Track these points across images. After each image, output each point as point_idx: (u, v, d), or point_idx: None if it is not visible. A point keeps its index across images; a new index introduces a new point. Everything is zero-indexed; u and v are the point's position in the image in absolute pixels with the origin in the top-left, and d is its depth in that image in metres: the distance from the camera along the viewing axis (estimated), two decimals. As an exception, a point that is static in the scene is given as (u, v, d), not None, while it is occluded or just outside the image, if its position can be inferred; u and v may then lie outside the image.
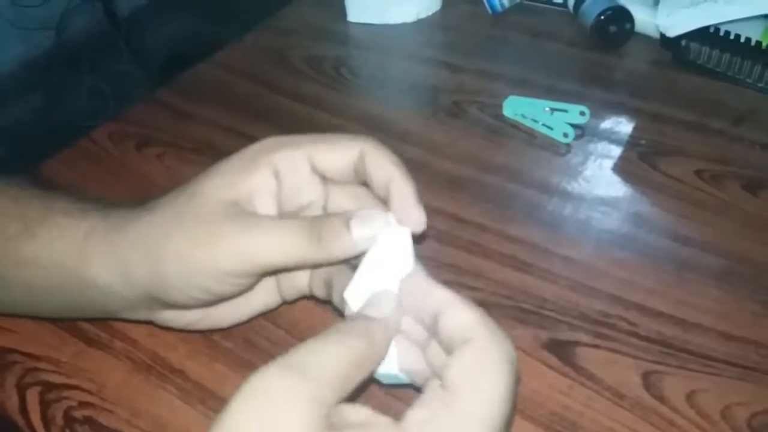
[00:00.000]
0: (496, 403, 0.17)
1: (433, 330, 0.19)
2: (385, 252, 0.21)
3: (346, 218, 0.21)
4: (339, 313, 0.23)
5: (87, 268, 0.23)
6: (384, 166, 0.22)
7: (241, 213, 0.22)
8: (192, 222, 0.22)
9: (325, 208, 0.24)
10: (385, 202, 0.22)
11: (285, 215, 0.24)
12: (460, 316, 0.18)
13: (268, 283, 0.25)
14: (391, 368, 0.20)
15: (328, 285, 0.24)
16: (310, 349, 0.17)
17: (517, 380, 0.18)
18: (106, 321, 0.28)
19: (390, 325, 0.19)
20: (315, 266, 0.23)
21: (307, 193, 0.23)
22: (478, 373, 0.17)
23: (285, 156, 0.23)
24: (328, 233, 0.20)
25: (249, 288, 0.24)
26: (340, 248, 0.21)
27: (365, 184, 0.23)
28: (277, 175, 0.23)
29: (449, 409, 0.17)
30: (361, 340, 0.18)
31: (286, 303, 0.26)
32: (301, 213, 0.24)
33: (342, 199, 0.23)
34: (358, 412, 0.17)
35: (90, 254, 0.23)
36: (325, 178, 0.23)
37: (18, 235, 0.23)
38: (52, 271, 0.23)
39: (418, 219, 0.21)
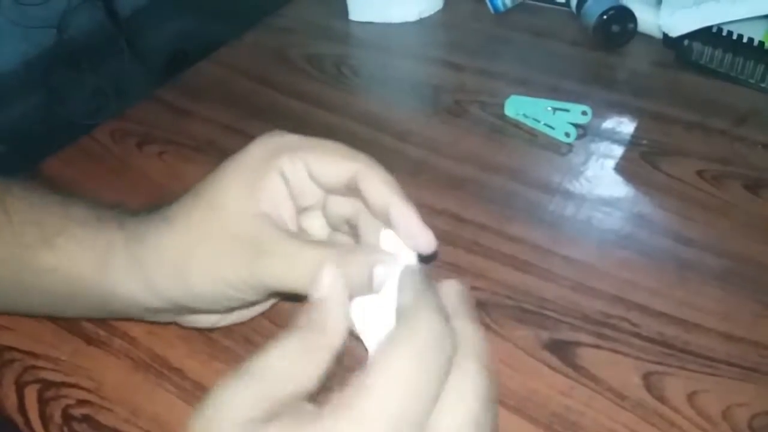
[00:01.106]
0: (400, 391, 0.16)
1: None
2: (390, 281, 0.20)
3: (369, 263, 0.20)
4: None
5: (108, 281, 0.23)
6: (380, 192, 0.21)
7: (264, 231, 0.21)
8: (215, 237, 0.21)
9: (324, 210, 0.24)
10: (383, 221, 0.22)
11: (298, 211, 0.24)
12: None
13: None
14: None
15: None
16: (256, 354, 0.17)
17: (439, 366, 0.17)
18: (105, 320, 0.28)
19: (335, 298, 0.19)
20: None
21: (309, 196, 0.23)
22: (391, 353, 0.16)
23: (287, 160, 0.22)
24: (350, 278, 0.20)
25: (275, 297, 0.24)
26: (358, 291, 0.20)
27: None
28: (284, 178, 0.23)
29: (356, 389, 0.16)
30: (302, 329, 0.18)
31: None
32: (304, 215, 0.24)
33: (340, 205, 0.23)
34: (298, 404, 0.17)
35: (111, 267, 0.23)
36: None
37: (36, 244, 0.23)
38: (73, 281, 0.23)
39: (426, 241, 0.21)
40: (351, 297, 0.21)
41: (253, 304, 0.24)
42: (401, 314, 0.18)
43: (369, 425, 0.15)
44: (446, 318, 0.18)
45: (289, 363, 0.17)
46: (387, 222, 0.21)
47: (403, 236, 0.21)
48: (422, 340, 0.17)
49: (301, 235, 0.23)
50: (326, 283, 0.19)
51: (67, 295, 0.24)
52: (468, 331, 0.19)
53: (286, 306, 0.28)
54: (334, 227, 0.25)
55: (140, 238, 0.23)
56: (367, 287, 0.20)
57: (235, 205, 0.22)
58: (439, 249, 0.30)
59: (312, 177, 0.23)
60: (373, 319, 0.20)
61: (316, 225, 0.25)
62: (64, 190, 0.27)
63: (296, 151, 0.22)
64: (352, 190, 0.22)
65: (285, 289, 0.21)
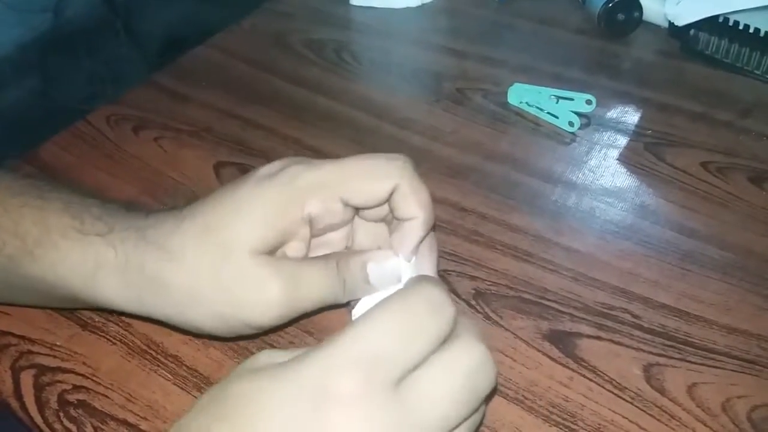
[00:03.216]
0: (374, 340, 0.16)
1: None
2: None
3: (363, 262, 0.22)
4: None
5: (100, 295, 0.23)
6: (411, 210, 0.22)
7: (277, 265, 0.21)
8: (227, 281, 0.21)
9: (348, 242, 0.25)
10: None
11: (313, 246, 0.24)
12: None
13: None
14: None
15: None
16: None
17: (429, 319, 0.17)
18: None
19: None
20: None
21: (338, 232, 0.24)
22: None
23: (319, 202, 0.22)
24: (350, 280, 0.22)
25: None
26: (361, 291, 0.22)
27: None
28: (310, 222, 0.22)
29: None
30: None
31: None
32: (325, 245, 0.24)
33: (363, 238, 0.24)
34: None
35: (103, 285, 0.22)
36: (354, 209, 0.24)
37: (18, 255, 0.23)
38: (60, 290, 0.23)
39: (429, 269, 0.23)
40: (352, 296, 0.22)
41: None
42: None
43: (336, 366, 0.16)
44: (447, 293, 0.18)
45: None
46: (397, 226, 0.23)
47: (395, 242, 0.22)
48: (414, 299, 0.17)
49: (302, 264, 0.23)
50: None
51: (61, 298, 0.24)
52: (466, 319, 0.19)
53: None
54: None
55: (137, 264, 0.22)
56: (365, 283, 0.22)
57: (243, 247, 0.21)
58: (439, 238, 0.30)
59: (350, 205, 0.22)
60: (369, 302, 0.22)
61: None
62: (41, 178, 0.26)
63: (331, 187, 0.22)
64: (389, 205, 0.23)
65: (310, 309, 0.22)
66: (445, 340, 0.17)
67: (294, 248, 0.23)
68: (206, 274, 0.21)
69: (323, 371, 0.16)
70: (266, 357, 0.17)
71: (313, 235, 0.23)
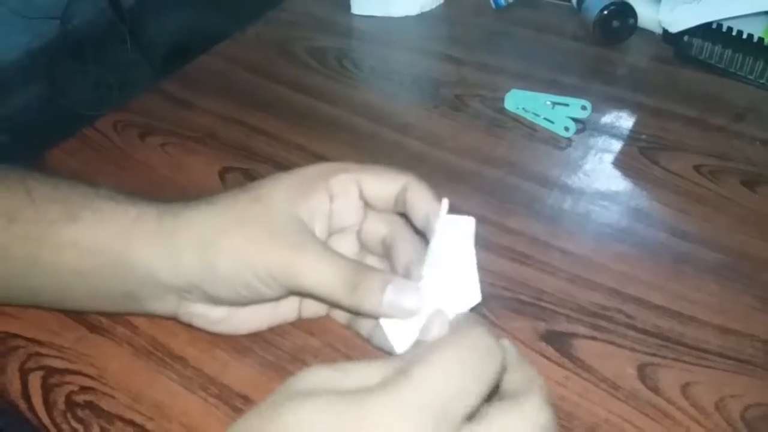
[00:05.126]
0: None
1: None
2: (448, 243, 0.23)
3: (385, 281, 0.21)
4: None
5: (131, 251, 0.23)
6: (426, 202, 0.23)
7: (300, 231, 0.23)
8: (254, 223, 0.22)
9: (360, 231, 0.26)
10: (421, 232, 0.24)
11: (331, 233, 0.25)
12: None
13: (293, 300, 0.26)
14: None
15: (355, 320, 0.25)
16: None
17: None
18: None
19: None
20: (345, 309, 0.23)
21: (350, 216, 0.25)
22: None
23: (339, 180, 0.24)
24: (364, 288, 0.21)
25: (287, 295, 0.24)
26: (370, 306, 0.21)
27: (402, 214, 0.25)
28: (331, 198, 0.24)
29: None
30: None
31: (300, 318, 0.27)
32: (340, 234, 0.26)
33: (377, 224, 0.25)
34: None
35: (137, 237, 0.23)
36: (367, 205, 0.25)
37: (60, 220, 0.23)
38: (90, 254, 0.23)
39: None
40: (359, 304, 0.22)
41: (263, 299, 0.24)
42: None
43: (407, 412, 0.16)
44: (495, 337, 0.18)
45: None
46: (426, 228, 0.23)
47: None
48: (470, 344, 0.18)
49: (324, 246, 0.23)
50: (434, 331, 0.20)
51: (80, 270, 0.24)
52: (533, 372, 0.19)
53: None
54: (368, 247, 0.26)
55: (175, 213, 0.23)
56: (378, 299, 0.21)
57: (276, 203, 0.23)
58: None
59: (364, 195, 0.24)
60: (404, 328, 0.21)
61: (344, 248, 0.26)
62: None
63: (350, 172, 0.24)
64: (399, 203, 0.24)
65: (308, 288, 0.22)
66: (509, 392, 0.18)
67: (320, 223, 0.24)
68: (235, 216, 0.23)
69: (390, 416, 0.16)
70: (316, 377, 0.17)
71: (331, 219, 0.24)
